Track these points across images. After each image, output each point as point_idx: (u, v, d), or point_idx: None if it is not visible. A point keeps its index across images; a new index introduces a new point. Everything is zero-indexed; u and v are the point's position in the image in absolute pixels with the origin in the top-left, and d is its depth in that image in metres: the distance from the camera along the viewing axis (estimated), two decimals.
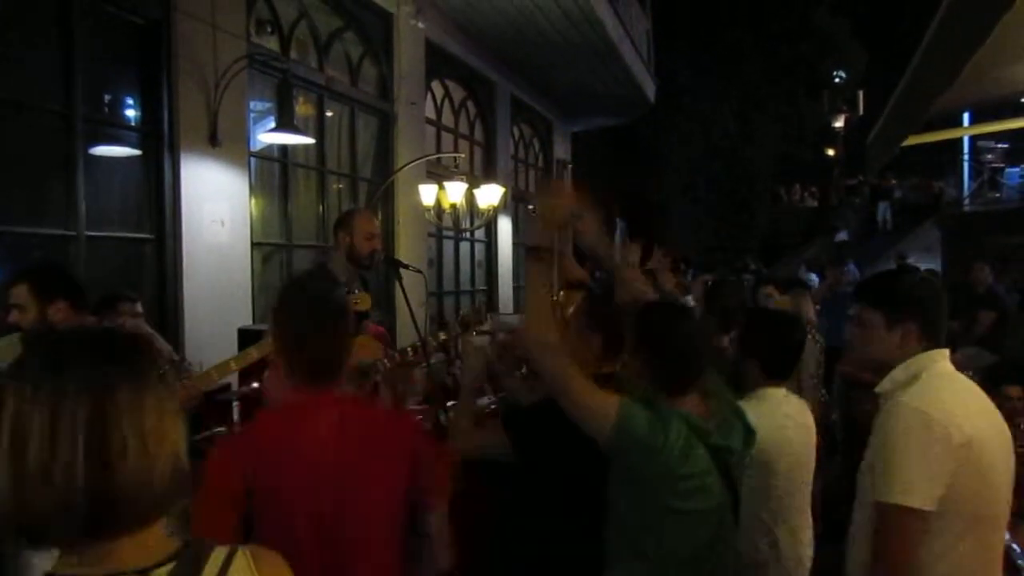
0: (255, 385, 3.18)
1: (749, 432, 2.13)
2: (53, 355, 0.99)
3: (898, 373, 1.97)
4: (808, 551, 2.67)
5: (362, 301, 2.80)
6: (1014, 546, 2.79)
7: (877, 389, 2.01)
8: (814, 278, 13.62)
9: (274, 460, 1.74)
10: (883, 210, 21.14)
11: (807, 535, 2.68)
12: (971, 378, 3.56)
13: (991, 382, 3.88)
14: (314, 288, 1.95)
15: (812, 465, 2.69)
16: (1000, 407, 2.46)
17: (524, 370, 2.81)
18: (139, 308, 3.75)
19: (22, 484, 0.93)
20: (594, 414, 1.91)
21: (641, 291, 2.77)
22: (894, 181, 21.58)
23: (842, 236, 20.39)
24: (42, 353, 1.00)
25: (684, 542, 1.98)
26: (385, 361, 3.01)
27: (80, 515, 0.94)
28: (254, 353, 2.40)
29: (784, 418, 2.59)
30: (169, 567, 1.01)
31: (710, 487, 1.97)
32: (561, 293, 2.58)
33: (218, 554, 1.06)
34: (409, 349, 3.20)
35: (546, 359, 1.99)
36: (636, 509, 2.02)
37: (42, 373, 0.96)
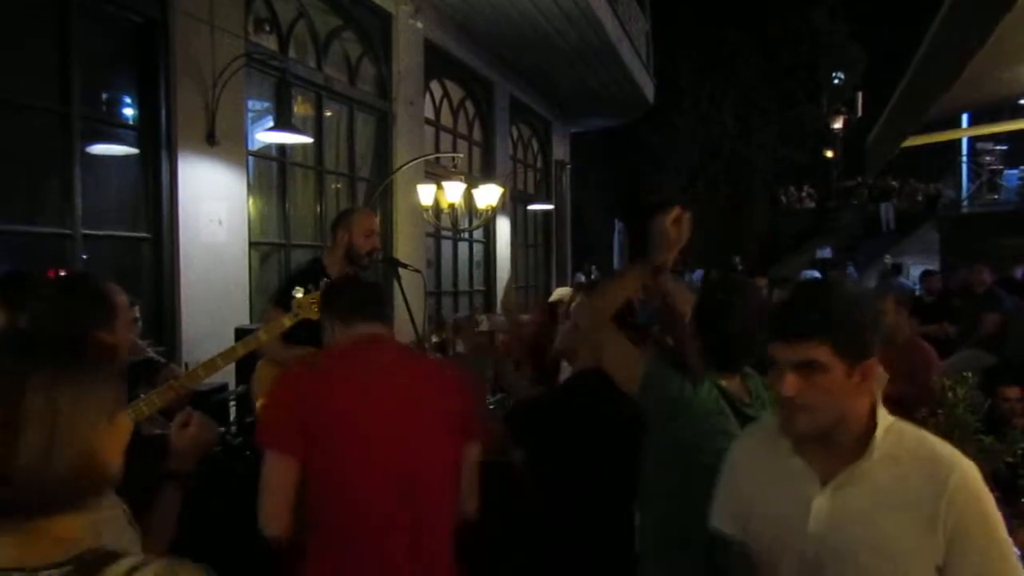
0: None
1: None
2: None
3: None
4: None
5: None
6: (1015, 548, 2.78)
7: None
8: (814, 274, 13.65)
9: (339, 392, 1.86)
10: (885, 210, 21.14)
11: None
12: (969, 379, 3.57)
13: (990, 383, 3.88)
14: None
15: None
16: (998, 407, 2.47)
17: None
18: (136, 312, 3.73)
19: None
20: (624, 367, 2.03)
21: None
22: (894, 183, 21.60)
23: (824, 253, 19.70)
24: None
25: (706, 502, 1.97)
26: None
27: None
28: (240, 350, 2.41)
29: None
30: (64, 570, 1.00)
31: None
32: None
33: (124, 564, 1.03)
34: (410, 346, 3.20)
35: (599, 322, 2.09)
36: (664, 465, 2.03)
37: None
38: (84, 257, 4.07)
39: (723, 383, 2.02)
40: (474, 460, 2.01)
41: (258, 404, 2.99)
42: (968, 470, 1.45)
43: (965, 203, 17.18)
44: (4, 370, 1.03)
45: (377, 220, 3.86)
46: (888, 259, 14.06)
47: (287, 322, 2.53)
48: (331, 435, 1.82)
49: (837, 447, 1.49)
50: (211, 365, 2.25)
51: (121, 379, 1.16)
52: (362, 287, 2.12)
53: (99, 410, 1.07)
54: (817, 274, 13.54)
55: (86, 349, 1.12)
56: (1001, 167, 16.93)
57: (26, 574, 0.99)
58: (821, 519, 1.47)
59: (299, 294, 2.57)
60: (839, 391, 1.43)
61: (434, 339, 3.69)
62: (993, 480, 3.48)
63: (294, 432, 1.80)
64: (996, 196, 16.69)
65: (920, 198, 20.95)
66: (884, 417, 1.50)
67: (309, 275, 2.90)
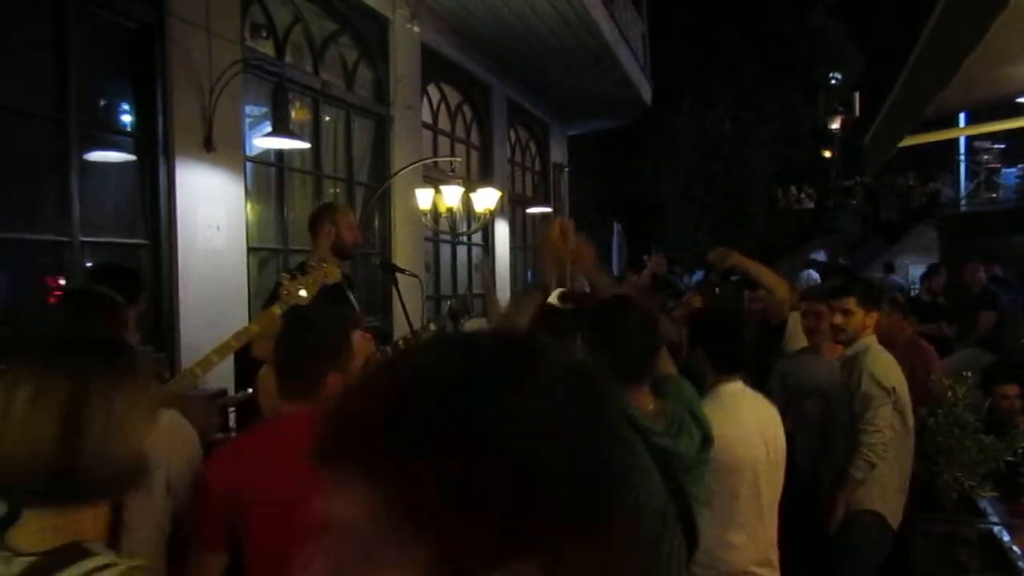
0: (249, 391, 3.17)
1: (707, 437, 2.07)
2: (48, 346, 1.26)
3: None
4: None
5: (331, 273, 2.80)
6: (1015, 548, 2.79)
7: None
8: (814, 275, 13.65)
9: (262, 471, 1.83)
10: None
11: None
12: (968, 379, 3.58)
13: (988, 382, 3.87)
14: (301, 314, 2.18)
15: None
16: (997, 406, 2.49)
17: None
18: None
19: (2, 442, 1.13)
20: None
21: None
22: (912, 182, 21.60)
23: (819, 255, 19.16)
24: (41, 344, 1.29)
25: None
26: (388, 348, 3.03)
27: (43, 478, 1.12)
28: (233, 342, 2.42)
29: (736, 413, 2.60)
30: (36, 559, 1.12)
31: (647, 486, 1.89)
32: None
33: (89, 562, 1.13)
34: (400, 342, 3.21)
35: None
36: None
37: (37, 358, 1.21)
38: (88, 265, 4.07)
39: (632, 404, 1.95)
40: None
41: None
42: None
43: (964, 202, 17.18)
44: (71, 374, 1.17)
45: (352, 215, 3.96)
46: (885, 264, 13.98)
47: (277, 310, 2.53)
48: (256, 516, 1.84)
49: None
50: (207, 362, 2.29)
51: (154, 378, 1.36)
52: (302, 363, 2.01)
53: (144, 410, 1.23)
54: (816, 275, 13.54)
55: (132, 356, 1.28)
56: (999, 165, 16.92)
57: (9, 554, 1.13)
58: None
59: (285, 280, 2.58)
60: None
61: (431, 326, 3.71)
62: (994, 478, 3.48)
63: (220, 529, 1.85)
64: (994, 195, 16.68)
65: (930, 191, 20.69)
66: None
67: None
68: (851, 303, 3.46)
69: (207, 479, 1.90)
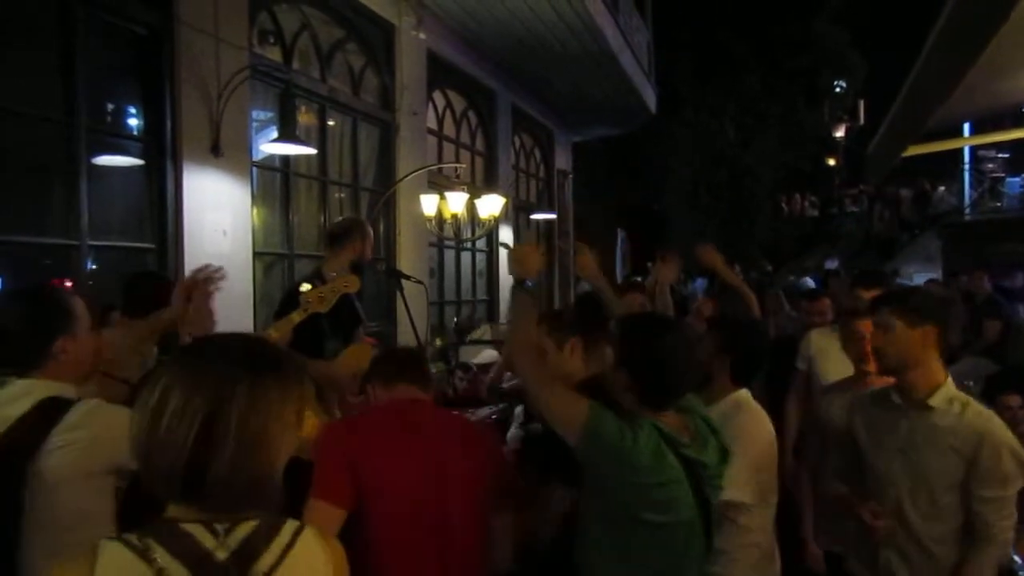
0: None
1: (724, 449, 2.08)
2: (200, 353, 1.24)
3: None
4: None
5: (352, 283, 2.84)
6: (1016, 557, 2.78)
7: None
8: (809, 282, 13.62)
9: (379, 448, 2.02)
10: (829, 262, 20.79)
11: None
12: (971, 389, 3.55)
13: (991, 391, 3.87)
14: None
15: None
16: (1000, 416, 2.46)
17: None
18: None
19: (152, 444, 1.14)
20: (565, 417, 1.94)
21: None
22: (902, 191, 21.55)
23: (831, 264, 17.84)
24: (195, 350, 1.30)
25: (650, 557, 1.95)
26: None
27: (178, 482, 1.13)
28: (274, 334, 2.48)
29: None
30: (252, 524, 1.18)
31: (681, 499, 1.92)
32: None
33: (290, 525, 1.22)
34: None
35: (526, 364, 2.08)
36: (603, 521, 1.99)
37: (188, 364, 1.20)
38: (93, 267, 4.10)
39: (660, 423, 1.95)
40: (507, 524, 2.15)
41: None
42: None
43: (968, 211, 17.18)
44: (222, 377, 1.16)
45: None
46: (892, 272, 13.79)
47: (296, 317, 2.56)
48: (369, 491, 1.96)
49: None
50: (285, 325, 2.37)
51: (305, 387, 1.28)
52: (405, 354, 2.39)
53: (285, 423, 1.20)
54: (811, 282, 13.49)
55: (283, 362, 1.24)
56: (1003, 175, 16.93)
57: (223, 527, 1.16)
58: None
59: (306, 288, 2.61)
60: None
61: (438, 343, 3.73)
62: None
63: (346, 485, 1.94)
64: (999, 204, 16.69)
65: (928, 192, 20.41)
66: None
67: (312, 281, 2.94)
68: (892, 318, 2.47)
69: (331, 442, 2.05)
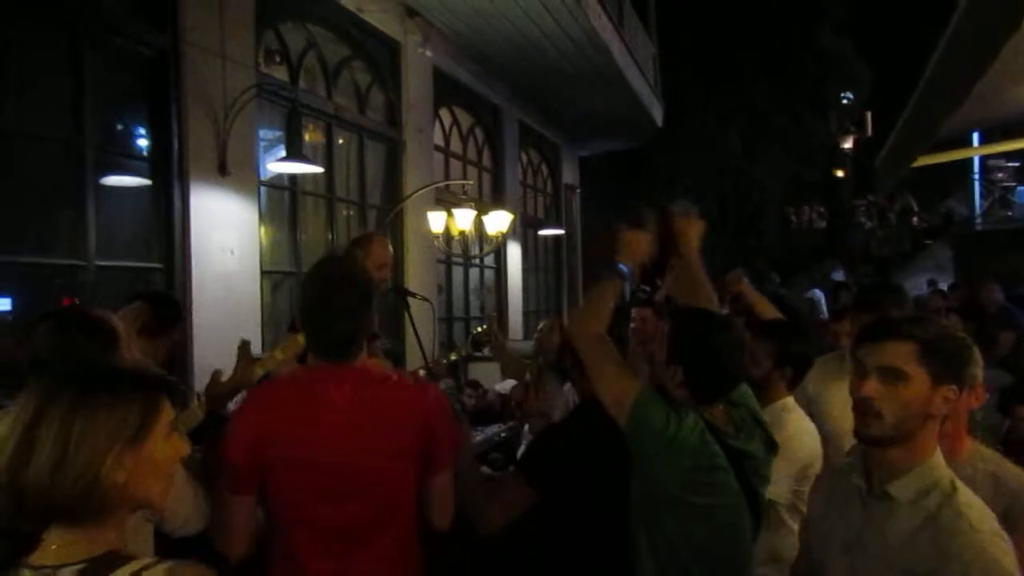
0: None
1: (771, 442, 2.10)
2: (45, 374, 1.26)
3: None
4: None
5: None
6: None
7: None
8: (818, 294, 13.59)
9: (284, 425, 1.89)
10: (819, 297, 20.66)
11: None
12: (987, 399, 3.48)
13: (1007, 403, 3.81)
14: (330, 266, 2.16)
15: None
16: (1013, 428, 2.41)
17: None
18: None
19: None
20: (615, 394, 1.96)
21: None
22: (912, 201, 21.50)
23: (837, 275, 17.89)
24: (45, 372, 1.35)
25: (700, 543, 1.94)
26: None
27: (3, 504, 1.13)
28: (258, 370, 2.43)
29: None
30: (79, 567, 1.14)
31: (728, 485, 1.93)
32: None
33: (133, 565, 1.16)
34: (420, 372, 3.20)
35: (590, 340, 2.08)
36: (647, 501, 1.99)
37: (32, 384, 1.22)
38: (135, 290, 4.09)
39: (707, 415, 1.99)
40: (443, 487, 2.03)
41: None
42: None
43: (978, 220, 17.08)
44: (35, 394, 1.17)
45: (390, 252, 3.83)
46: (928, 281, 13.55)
47: (302, 339, 2.52)
48: (283, 465, 1.88)
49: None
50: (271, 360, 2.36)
51: (155, 405, 1.26)
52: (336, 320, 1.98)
53: (114, 436, 1.17)
54: (819, 294, 13.45)
55: (113, 379, 1.24)
56: (1014, 184, 16.84)
57: (49, 570, 1.13)
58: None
59: None
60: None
61: (452, 357, 3.70)
62: None
63: (250, 473, 1.87)
64: (1009, 213, 16.59)
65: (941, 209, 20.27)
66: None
67: None
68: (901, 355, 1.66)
69: (238, 425, 1.94)
